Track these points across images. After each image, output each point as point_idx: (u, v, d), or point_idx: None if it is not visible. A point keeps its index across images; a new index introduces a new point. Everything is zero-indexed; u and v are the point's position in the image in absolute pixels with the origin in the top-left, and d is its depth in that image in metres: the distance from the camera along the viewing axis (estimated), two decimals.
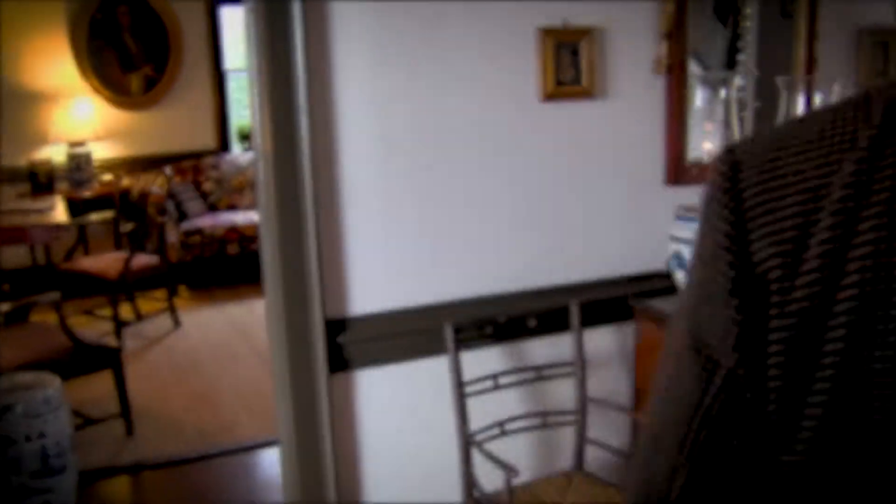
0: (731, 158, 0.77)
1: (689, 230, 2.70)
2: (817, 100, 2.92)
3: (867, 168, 0.66)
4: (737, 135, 3.21)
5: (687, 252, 2.70)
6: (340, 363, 2.62)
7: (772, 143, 0.77)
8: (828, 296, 0.65)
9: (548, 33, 2.70)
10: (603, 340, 3.00)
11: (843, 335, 0.63)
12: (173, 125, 7.59)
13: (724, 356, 0.70)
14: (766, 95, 2.99)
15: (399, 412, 2.74)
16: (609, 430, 2.94)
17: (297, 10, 2.36)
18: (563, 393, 2.84)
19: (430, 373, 2.72)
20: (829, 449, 0.65)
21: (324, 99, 2.47)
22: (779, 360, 0.66)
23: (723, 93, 3.20)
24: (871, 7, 3.42)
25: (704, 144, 3.13)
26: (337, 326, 2.60)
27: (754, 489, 0.73)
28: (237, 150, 8.03)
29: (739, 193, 0.75)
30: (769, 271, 0.68)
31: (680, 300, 0.80)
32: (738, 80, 3.24)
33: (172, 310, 6.24)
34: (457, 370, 2.61)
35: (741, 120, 3.31)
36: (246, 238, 7.05)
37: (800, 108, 2.92)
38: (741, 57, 3.25)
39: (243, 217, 7.27)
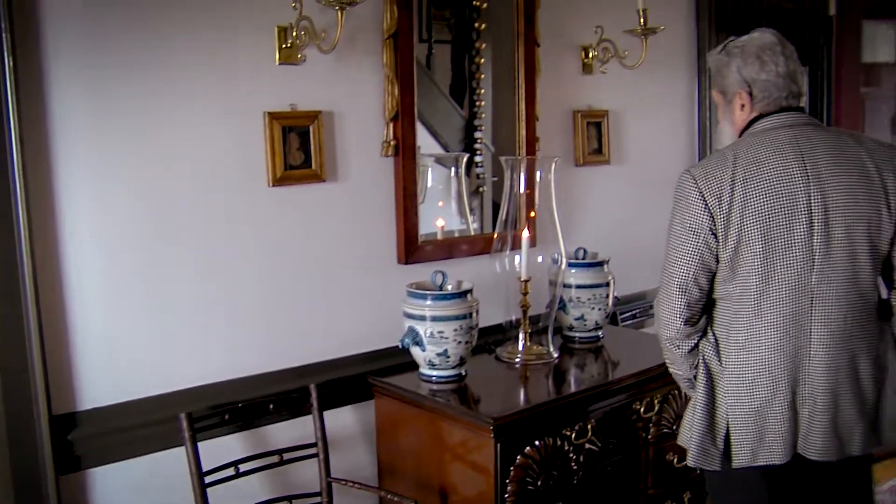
0: (694, 170, 2.25)
1: (420, 307, 2.79)
2: (538, 176, 3.12)
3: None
4: (468, 211, 3.36)
5: (420, 328, 2.78)
6: (71, 461, 2.48)
7: (705, 161, 2.32)
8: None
9: (275, 117, 2.73)
10: (345, 419, 3.02)
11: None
12: None
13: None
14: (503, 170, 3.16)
15: None
16: None
17: (10, 101, 2.27)
18: (307, 474, 2.82)
19: (170, 465, 2.62)
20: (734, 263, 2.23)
21: (42, 184, 2.38)
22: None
23: (453, 171, 3.35)
24: (582, 92, 3.71)
25: (437, 221, 3.25)
26: (66, 422, 2.47)
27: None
28: None
29: (696, 181, 2.22)
30: (715, 212, 2.19)
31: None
32: (476, 157, 3.41)
33: None
34: (195, 461, 2.54)
35: (481, 194, 3.47)
36: None
37: (522, 184, 3.11)
38: (478, 135, 3.42)
39: None
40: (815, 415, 2.24)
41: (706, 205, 2.19)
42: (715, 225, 2.19)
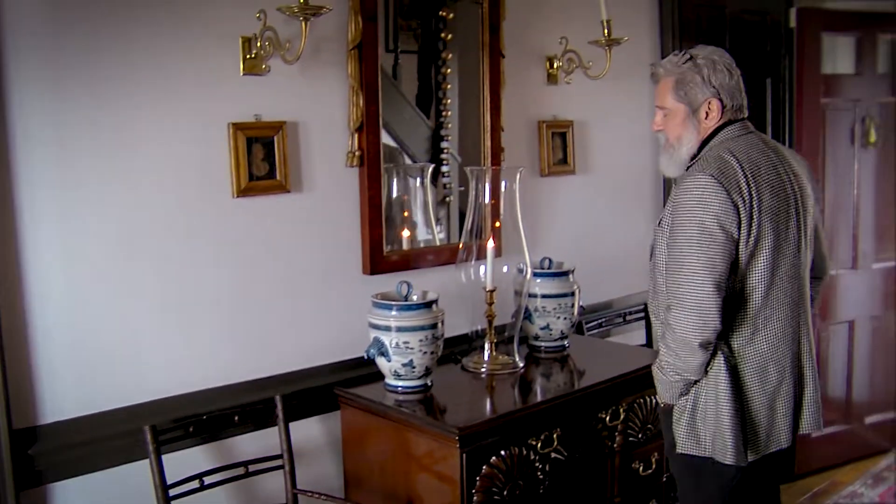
0: (709, 171, 2.31)
1: (386, 318, 2.79)
2: (503, 187, 3.13)
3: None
4: (433, 221, 3.36)
5: (385, 339, 2.78)
6: (32, 476, 2.45)
7: (711, 164, 2.35)
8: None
9: (239, 128, 2.72)
10: (311, 430, 3.00)
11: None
12: None
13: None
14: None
15: None
16: None
17: None
18: (273, 486, 2.81)
19: (134, 479, 2.60)
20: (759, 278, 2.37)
21: (2, 196, 2.35)
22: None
23: (418, 181, 3.35)
24: (547, 102, 3.72)
25: (402, 232, 3.25)
26: (27, 437, 2.43)
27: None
28: None
29: (720, 181, 2.29)
30: (741, 210, 2.30)
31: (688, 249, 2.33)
32: (442, 167, 3.41)
33: None
34: (159, 474, 2.52)
35: (447, 204, 3.47)
36: None
37: (487, 194, 3.12)
38: (444, 145, 3.42)
39: None
40: (808, 390, 2.49)
41: (733, 203, 2.29)
42: (741, 222, 2.31)
